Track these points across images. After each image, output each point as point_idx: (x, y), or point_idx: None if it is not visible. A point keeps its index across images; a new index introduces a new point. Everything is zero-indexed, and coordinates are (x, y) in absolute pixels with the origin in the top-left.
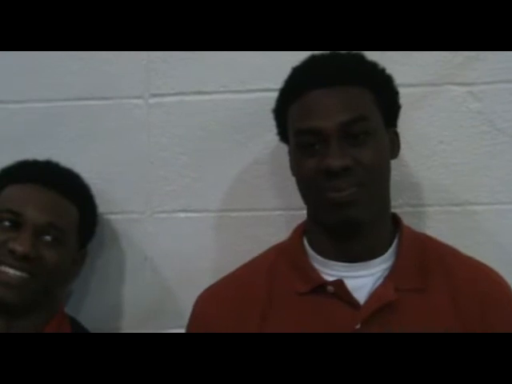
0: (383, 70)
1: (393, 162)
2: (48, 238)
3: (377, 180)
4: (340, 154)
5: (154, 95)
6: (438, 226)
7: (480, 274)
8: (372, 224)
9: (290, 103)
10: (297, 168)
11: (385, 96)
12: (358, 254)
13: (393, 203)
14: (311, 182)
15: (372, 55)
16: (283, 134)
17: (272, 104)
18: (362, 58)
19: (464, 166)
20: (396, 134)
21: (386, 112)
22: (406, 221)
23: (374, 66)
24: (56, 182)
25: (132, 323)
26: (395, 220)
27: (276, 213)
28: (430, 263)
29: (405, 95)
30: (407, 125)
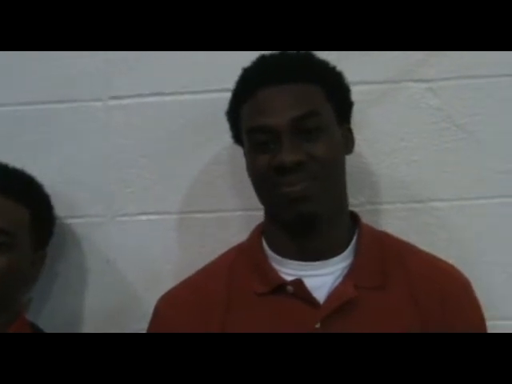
0: (333, 68)
1: (353, 160)
2: None
3: (331, 174)
4: (292, 150)
5: (114, 97)
6: (400, 224)
7: (439, 271)
8: (328, 220)
9: (241, 103)
10: (251, 166)
11: (336, 93)
12: (317, 252)
13: (354, 201)
14: (265, 179)
15: (330, 53)
16: (237, 137)
17: None
18: (312, 56)
19: (424, 162)
20: (349, 131)
21: (338, 108)
22: (368, 218)
23: (323, 63)
24: (2, 184)
25: (95, 327)
26: (354, 218)
27: (236, 213)
28: (388, 261)
29: (364, 93)
30: (367, 122)
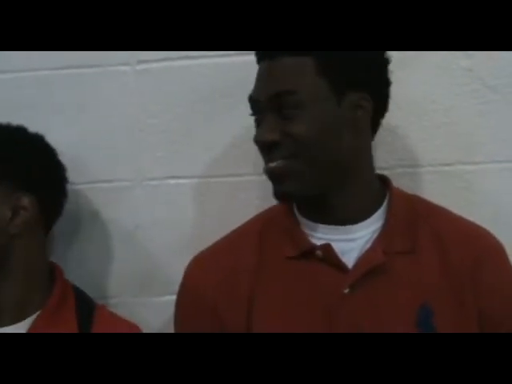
0: None
1: (383, 123)
2: None
3: (314, 152)
4: (268, 128)
5: (142, 61)
6: (430, 187)
7: (471, 235)
8: (338, 192)
9: None
10: None
11: (332, 62)
12: (342, 219)
13: (384, 164)
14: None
15: None
16: None
17: None
18: None
19: (455, 125)
20: (365, 98)
21: (336, 79)
22: (398, 182)
23: None
24: None
25: (126, 291)
26: (384, 181)
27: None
28: (420, 225)
29: (394, 54)
30: (397, 85)
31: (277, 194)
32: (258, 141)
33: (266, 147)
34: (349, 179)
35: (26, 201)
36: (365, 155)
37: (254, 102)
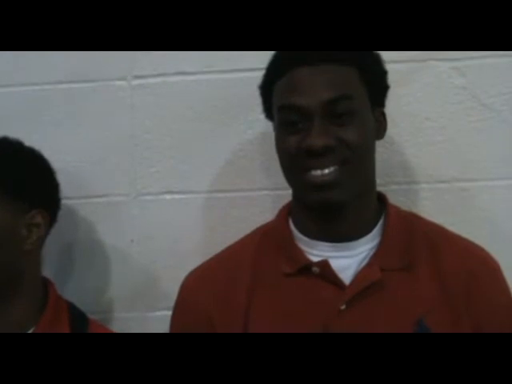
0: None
1: (379, 140)
2: None
3: (361, 160)
4: (322, 133)
5: (138, 77)
6: (426, 204)
7: (467, 253)
8: (355, 204)
9: (275, 80)
10: (280, 146)
11: (372, 75)
12: (343, 234)
13: (379, 181)
14: (293, 161)
15: None
16: (269, 111)
17: (256, 83)
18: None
19: (450, 142)
20: (383, 115)
21: (372, 92)
22: (393, 199)
23: None
24: None
25: (119, 306)
26: (381, 199)
27: (262, 193)
28: (416, 242)
29: (389, 72)
30: (392, 102)
31: (325, 202)
32: (313, 145)
33: (317, 153)
34: (369, 194)
35: (39, 218)
36: (375, 170)
37: (299, 108)
